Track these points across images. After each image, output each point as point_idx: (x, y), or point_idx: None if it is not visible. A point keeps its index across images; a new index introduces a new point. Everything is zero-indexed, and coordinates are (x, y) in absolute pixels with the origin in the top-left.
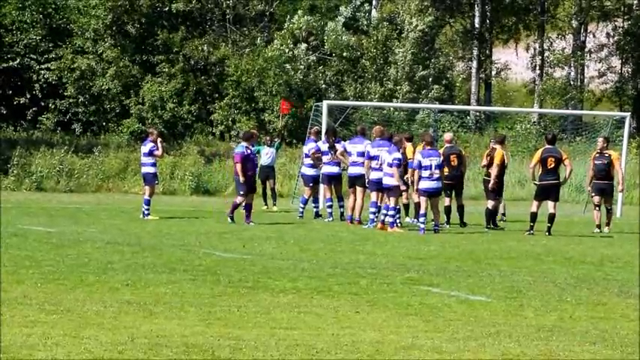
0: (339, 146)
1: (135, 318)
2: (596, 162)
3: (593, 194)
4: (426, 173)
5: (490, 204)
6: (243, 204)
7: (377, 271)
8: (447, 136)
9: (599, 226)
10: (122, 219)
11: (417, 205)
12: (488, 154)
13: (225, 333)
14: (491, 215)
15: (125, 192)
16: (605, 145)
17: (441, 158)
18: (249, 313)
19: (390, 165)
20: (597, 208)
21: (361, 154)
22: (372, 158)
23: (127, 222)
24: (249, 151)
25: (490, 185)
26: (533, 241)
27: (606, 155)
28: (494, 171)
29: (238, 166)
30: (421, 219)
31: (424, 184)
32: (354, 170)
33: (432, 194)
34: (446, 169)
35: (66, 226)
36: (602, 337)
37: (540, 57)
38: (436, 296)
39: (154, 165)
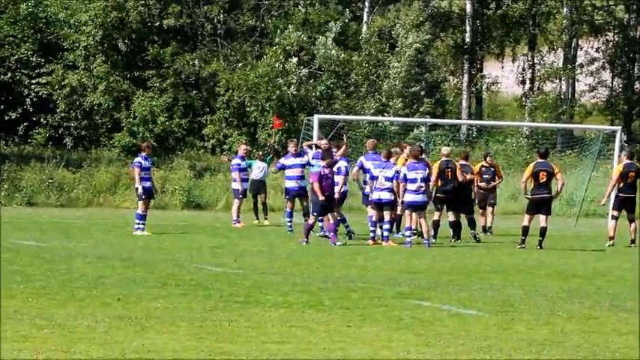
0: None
1: (126, 333)
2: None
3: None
4: (412, 186)
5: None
6: (328, 226)
7: (368, 285)
8: (445, 150)
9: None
10: (113, 234)
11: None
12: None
13: (216, 348)
14: (456, 227)
15: (116, 207)
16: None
17: (427, 171)
18: (241, 328)
19: (390, 179)
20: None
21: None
22: (365, 171)
23: (118, 237)
24: (326, 171)
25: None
26: (525, 255)
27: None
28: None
29: (316, 185)
30: (407, 232)
31: (409, 198)
32: None
33: (417, 207)
34: (439, 183)
35: (57, 241)
36: (594, 351)
37: (531, 70)
38: (428, 310)
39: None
